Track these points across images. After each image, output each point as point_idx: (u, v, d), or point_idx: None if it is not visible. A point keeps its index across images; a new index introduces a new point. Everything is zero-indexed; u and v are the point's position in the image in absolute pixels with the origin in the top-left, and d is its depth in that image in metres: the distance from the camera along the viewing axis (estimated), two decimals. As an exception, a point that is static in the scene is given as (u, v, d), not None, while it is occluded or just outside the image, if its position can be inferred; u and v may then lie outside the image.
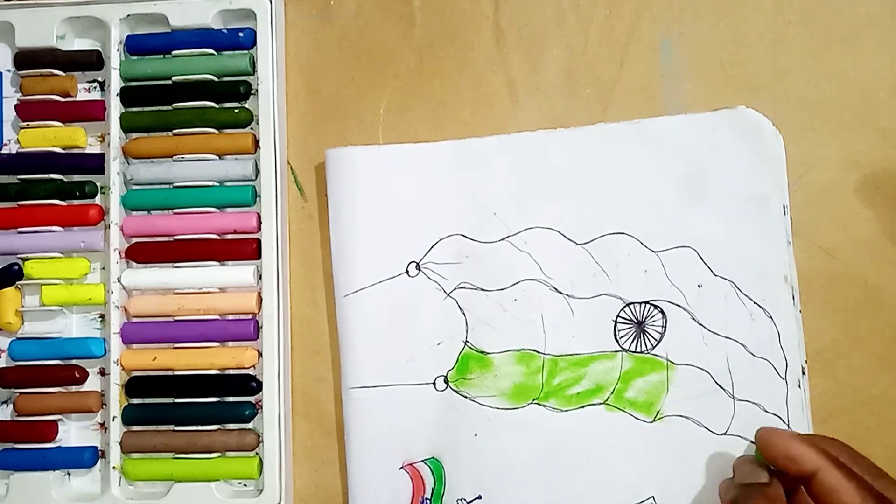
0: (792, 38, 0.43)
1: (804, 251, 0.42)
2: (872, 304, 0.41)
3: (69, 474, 0.43)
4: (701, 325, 0.41)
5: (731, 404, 0.40)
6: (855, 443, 0.40)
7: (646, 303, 0.41)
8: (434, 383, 0.41)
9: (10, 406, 0.43)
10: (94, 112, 0.44)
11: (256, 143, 0.43)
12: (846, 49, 0.43)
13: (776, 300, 0.41)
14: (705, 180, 0.41)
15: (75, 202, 0.44)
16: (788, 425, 0.40)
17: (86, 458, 0.42)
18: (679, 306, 0.41)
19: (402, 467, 0.41)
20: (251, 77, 0.44)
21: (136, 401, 0.43)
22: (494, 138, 0.43)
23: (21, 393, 0.43)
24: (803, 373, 0.41)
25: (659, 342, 0.41)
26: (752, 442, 0.40)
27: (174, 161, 0.43)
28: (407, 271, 0.42)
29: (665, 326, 0.41)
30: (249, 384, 0.42)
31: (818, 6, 0.43)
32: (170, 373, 0.43)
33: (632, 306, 0.41)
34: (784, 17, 0.43)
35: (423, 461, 0.41)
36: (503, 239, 0.42)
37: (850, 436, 0.40)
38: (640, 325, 0.41)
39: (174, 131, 0.43)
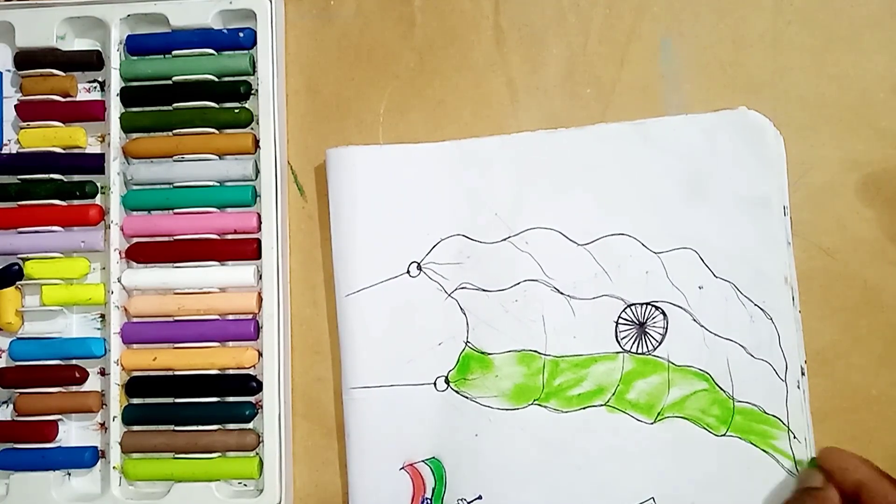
0: (792, 38, 0.43)
1: (804, 251, 0.42)
2: (872, 304, 0.41)
3: (69, 474, 0.43)
4: (702, 326, 0.41)
5: (730, 406, 0.40)
6: (855, 443, 0.41)
7: (647, 304, 0.41)
8: (435, 383, 0.41)
9: (10, 406, 0.43)
10: (94, 112, 0.44)
11: (256, 143, 0.43)
12: (846, 49, 0.43)
13: (776, 301, 0.41)
14: (706, 181, 0.41)
15: (75, 202, 0.44)
16: (788, 427, 0.40)
17: (86, 458, 0.42)
18: (680, 307, 0.41)
19: (402, 468, 0.41)
20: (251, 77, 0.44)
21: (136, 401, 0.43)
22: (495, 138, 0.43)
23: (21, 393, 0.43)
24: (802, 373, 0.41)
25: (660, 343, 0.41)
26: (751, 444, 0.40)
27: (174, 161, 0.43)
28: (408, 271, 0.42)
29: (666, 328, 0.41)
30: (249, 384, 0.42)
31: (818, 6, 0.43)
32: (170, 373, 0.43)
33: (633, 307, 0.41)
34: (784, 17, 0.43)
35: (423, 461, 0.41)
36: (504, 239, 0.42)
37: (850, 436, 0.41)
38: (641, 327, 0.41)
39: (174, 131, 0.44)
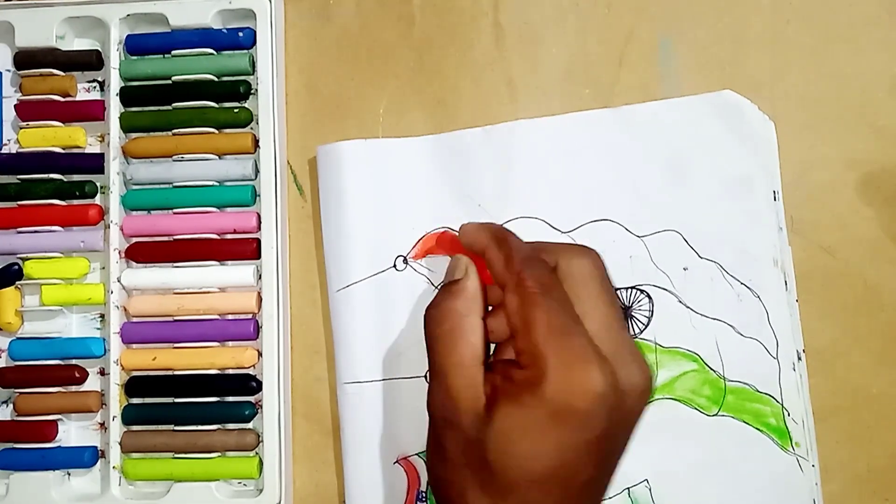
0: (791, 38, 0.44)
1: (804, 250, 0.42)
2: (872, 303, 0.42)
3: (69, 474, 0.44)
4: (688, 307, 0.42)
5: (721, 385, 0.41)
6: (854, 442, 0.41)
7: (632, 288, 0.42)
8: (425, 376, 0.42)
9: (10, 406, 0.44)
10: (93, 112, 0.45)
11: (256, 142, 0.44)
12: (845, 48, 0.43)
13: (764, 280, 0.42)
14: (688, 164, 0.43)
15: (75, 202, 0.45)
16: (782, 405, 0.41)
17: (86, 458, 0.43)
18: (665, 290, 0.42)
19: (396, 461, 0.42)
20: (251, 77, 0.45)
21: (135, 401, 0.43)
22: (477, 129, 0.43)
23: (21, 393, 0.44)
24: (799, 358, 0.41)
25: (647, 326, 0.42)
26: (745, 422, 0.41)
27: (174, 161, 0.44)
28: (395, 265, 0.43)
29: (652, 311, 0.42)
30: (249, 384, 0.43)
31: (817, 5, 0.44)
32: (170, 373, 0.43)
33: (618, 292, 0.42)
34: (783, 16, 0.44)
35: (417, 454, 0.42)
36: None
37: (850, 434, 0.41)
38: (627, 311, 0.42)
39: (174, 131, 0.44)
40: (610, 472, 0.33)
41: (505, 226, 0.42)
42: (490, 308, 0.35)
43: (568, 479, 0.31)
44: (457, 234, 0.39)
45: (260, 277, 0.43)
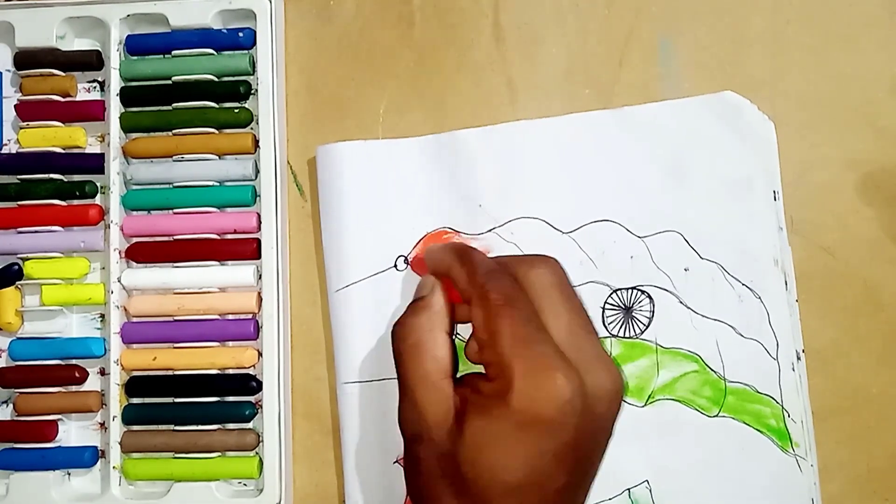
0: (791, 38, 0.44)
1: (804, 251, 0.43)
2: (872, 303, 0.42)
3: (69, 474, 0.44)
4: (689, 308, 0.42)
5: (722, 386, 0.41)
6: (855, 442, 0.41)
7: (633, 288, 0.42)
8: None
9: (10, 406, 0.44)
10: (94, 112, 0.45)
11: (256, 142, 0.44)
12: (845, 48, 0.44)
13: (764, 281, 0.42)
14: (688, 164, 0.43)
15: (75, 202, 0.45)
16: (782, 406, 0.41)
17: (86, 457, 0.43)
18: (666, 290, 0.42)
19: (396, 461, 0.42)
20: (251, 77, 0.45)
21: (136, 400, 0.44)
22: (478, 130, 0.44)
23: (21, 393, 0.44)
24: (798, 358, 0.41)
25: (647, 327, 0.42)
26: (745, 423, 0.41)
27: (174, 161, 0.44)
28: (395, 265, 0.43)
29: (653, 311, 0.42)
30: (249, 384, 0.43)
31: (817, 5, 0.44)
32: (170, 373, 0.44)
33: (619, 292, 0.42)
34: (783, 16, 0.44)
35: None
36: (490, 230, 0.43)
37: (850, 435, 0.42)
38: (627, 311, 0.42)
39: (174, 131, 0.45)
40: (586, 477, 0.33)
41: (505, 226, 0.43)
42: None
43: (541, 487, 0.31)
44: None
45: (260, 277, 0.43)
